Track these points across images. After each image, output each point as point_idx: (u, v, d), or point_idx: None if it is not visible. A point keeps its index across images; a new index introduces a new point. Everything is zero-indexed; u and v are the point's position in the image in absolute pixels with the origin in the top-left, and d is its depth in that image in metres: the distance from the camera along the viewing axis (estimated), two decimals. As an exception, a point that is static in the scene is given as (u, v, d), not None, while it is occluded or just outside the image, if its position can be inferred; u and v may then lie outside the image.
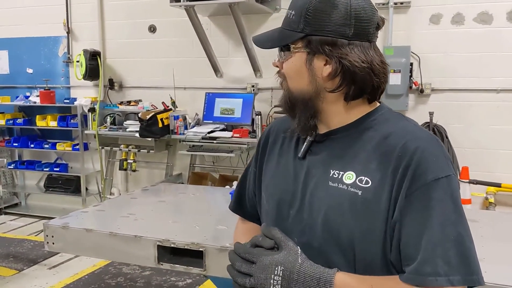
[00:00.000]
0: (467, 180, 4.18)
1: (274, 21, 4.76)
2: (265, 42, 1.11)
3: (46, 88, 5.55)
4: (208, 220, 2.61)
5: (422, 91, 4.42)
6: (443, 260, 0.93)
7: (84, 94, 5.57)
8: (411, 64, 4.39)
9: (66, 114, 5.56)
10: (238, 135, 4.69)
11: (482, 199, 4.34)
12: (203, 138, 4.77)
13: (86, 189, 5.67)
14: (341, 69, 1.03)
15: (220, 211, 2.84)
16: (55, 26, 5.65)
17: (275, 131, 1.25)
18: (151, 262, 2.22)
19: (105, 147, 5.36)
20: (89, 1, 5.49)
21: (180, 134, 4.92)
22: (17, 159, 6.11)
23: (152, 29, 5.33)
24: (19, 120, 5.73)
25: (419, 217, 0.97)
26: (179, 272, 3.56)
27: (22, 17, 5.82)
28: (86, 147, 5.55)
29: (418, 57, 4.41)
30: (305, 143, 1.13)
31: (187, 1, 4.45)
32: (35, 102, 5.58)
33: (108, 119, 5.34)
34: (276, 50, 1.11)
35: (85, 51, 5.32)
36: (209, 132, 4.79)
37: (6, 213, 5.86)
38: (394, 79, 4.27)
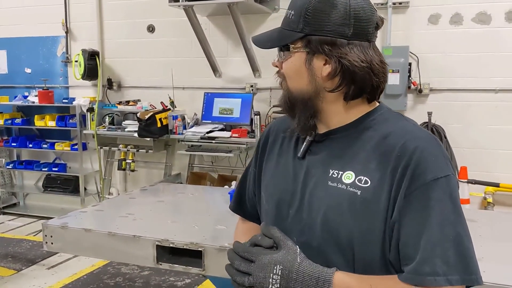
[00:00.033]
0: (466, 180, 4.19)
1: (273, 21, 4.77)
2: (264, 42, 1.11)
3: (45, 88, 5.54)
4: (207, 220, 2.61)
5: (420, 91, 4.42)
6: (441, 260, 0.93)
7: (83, 94, 5.57)
8: (410, 64, 4.39)
9: (65, 114, 5.56)
10: (236, 135, 4.69)
11: (481, 199, 4.35)
12: (201, 138, 4.77)
13: (85, 189, 5.66)
14: (341, 69, 1.03)
15: (219, 211, 2.85)
16: (54, 26, 5.64)
17: (275, 131, 1.25)
18: (150, 262, 2.22)
19: (103, 147, 5.35)
20: (87, 1, 5.48)
21: (178, 134, 4.92)
22: (15, 159, 6.10)
23: (151, 29, 5.33)
24: (18, 120, 5.72)
25: (418, 217, 0.97)
26: (178, 272, 3.56)
27: (21, 17, 5.81)
28: (84, 147, 5.54)
29: (417, 57, 4.41)
30: (305, 143, 1.13)
31: (186, 1, 4.45)
32: (33, 102, 5.58)
33: (107, 119, 5.33)
34: (275, 50, 1.11)
35: (83, 51, 5.32)
36: (207, 132, 4.78)
37: (4, 213, 5.86)
38: (393, 79, 4.27)
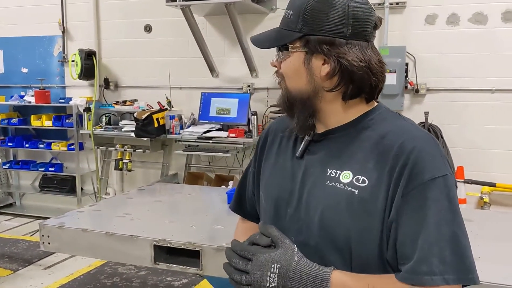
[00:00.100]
0: (462, 180, 4.20)
1: (270, 21, 4.77)
2: (263, 42, 1.11)
3: (41, 87, 5.53)
4: (204, 220, 2.61)
5: (417, 91, 4.44)
6: (438, 259, 0.94)
7: (80, 94, 5.56)
8: (407, 64, 4.40)
9: (61, 114, 5.55)
10: (234, 135, 4.69)
11: (477, 199, 4.36)
12: (198, 138, 4.76)
13: (81, 189, 5.65)
14: (339, 69, 1.03)
15: (216, 211, 2.85)
16: (50, 26, 5.63)
17: (274, 130, 1.26)
18: (147, 262, 2.22)
19: (100, 147, 5.34)
20: (84, 0, 5.47)
21: (175, 134, 4.92)
22: (11, 159, 6.09)
23: (148, 28, 5.32)
24: (14, 120, 5.71)
25: (415, 216, 0.97)
26: (175, 272, 3.56)
27: (17, 17, 5.79)
28: (81, 147, 5.53)
29: (414, 57, 4.42)
30: (303, 143, 1.13)
31: (183, 0, 4.44)
32: (30, 102, 5.57)
33: (104, 119, 5.32)
34: (272, 50, 1.12)
35: (80, 50, 5.31)
36: (204, 132, 4.78)
37: (0, 213, 5.83)
38: (390, 79, 4.28)
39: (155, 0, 4.95)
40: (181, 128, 4.97)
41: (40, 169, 5.75)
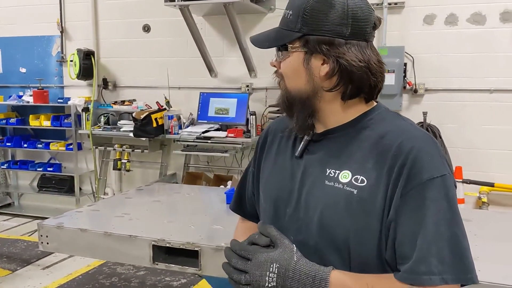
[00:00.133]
0: (461, 180, 4.20)
1: (269, 21, 4.77)
2: (262, 42, 1.11)
3: (40, 87, 5.52)
4: (203, 219, 2.61)
5: (416, 91, 4.44)
6: (437, 259, 0.94)
7: (78, 94, 5.55)
8: (405, 64, 4.41)
9: (60, 114, 5.54)
10: (232, 135, 4.69)
11: (475, 199, 4.37)
12: (197, 138, 4.76)
13: (80, 189, 5.65)
14: (339, 68, 1.03)
15: (215, 210, 2.85)
16: (49, 25, 5.62)
17: (273, 130, 1.26)
18: (146, 262, 2.22)
19: (99, 147, 5.33)
20: (83, 0, 5.47)
21: (174, 134, 4.92)
22: (10, 159, 6.08)
23: (147, 28, 5.32)
24: (12, 120, 5.70)
25: (414, 216, 0.97)
26: (174, 272, 3.56)
27: (16, 16, 5.79)
28: (79, 147, 5.52)
29: (412, 57, 4.43)
30: (302, 142, 1.13)
31: (181, 0, 4.44)
32: (28, 102, 5.56)
33: (102, 119, 5.32)
34: (271, 50, 1.12)
35: (79, 50, 5.30)
36: (203, 132, 4.78)
37: (-1, 213, 5.84)
38: (388, 79, 4.28)
39: (154, 0, 4.95)
40: (180, 128, 4.97)
41: (38, 169, 5.75)
